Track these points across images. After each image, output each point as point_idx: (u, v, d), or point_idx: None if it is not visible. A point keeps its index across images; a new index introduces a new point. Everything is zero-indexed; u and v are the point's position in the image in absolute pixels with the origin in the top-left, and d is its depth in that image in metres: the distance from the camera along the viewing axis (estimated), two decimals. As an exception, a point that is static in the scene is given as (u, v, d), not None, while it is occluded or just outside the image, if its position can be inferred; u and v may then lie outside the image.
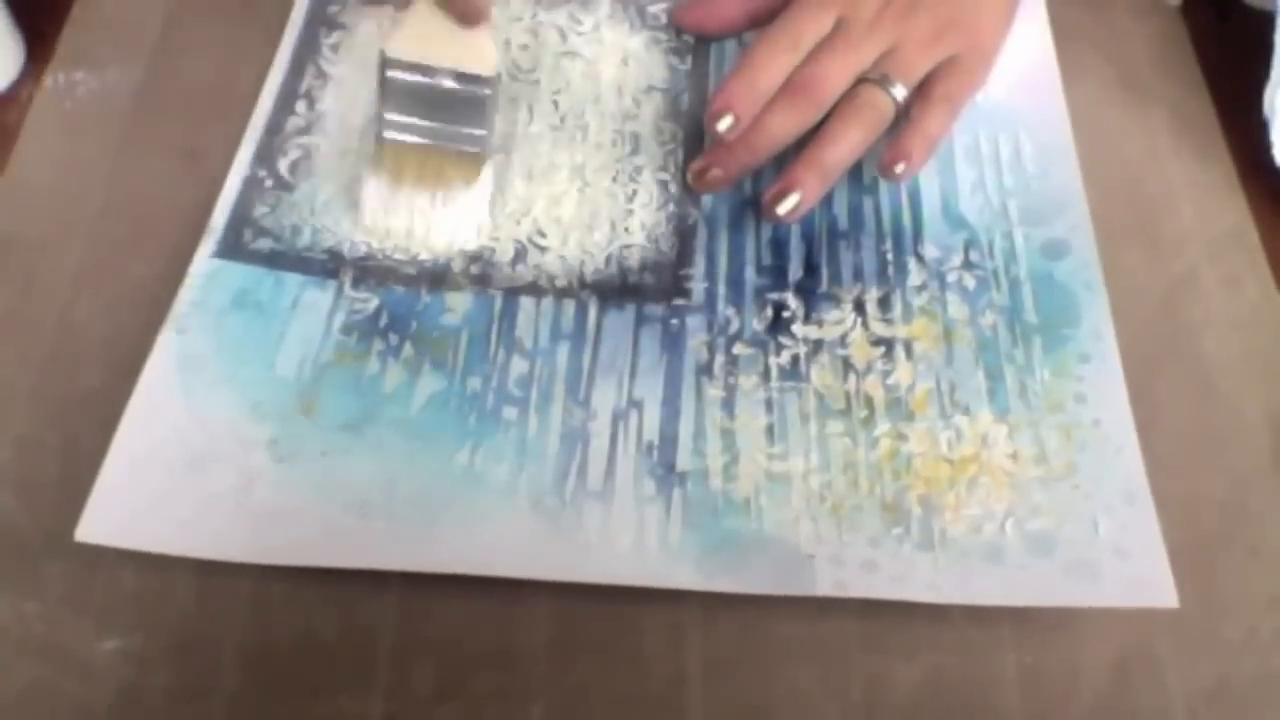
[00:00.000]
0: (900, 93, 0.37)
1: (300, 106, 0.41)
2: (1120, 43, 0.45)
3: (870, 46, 0.38)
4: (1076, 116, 0.42)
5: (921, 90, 0.38)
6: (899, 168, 0.37)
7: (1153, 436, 0.35)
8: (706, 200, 0.40)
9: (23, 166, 0.40)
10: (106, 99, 0.42)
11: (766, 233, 0.39)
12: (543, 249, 0.38)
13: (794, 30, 0.38)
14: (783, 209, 0.37)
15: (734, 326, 0.37)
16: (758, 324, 0.37)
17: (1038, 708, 0.31)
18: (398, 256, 0.37)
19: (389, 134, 0.36)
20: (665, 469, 0.34)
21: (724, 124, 0.37)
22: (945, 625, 0.32)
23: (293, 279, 0.37)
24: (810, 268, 0.38)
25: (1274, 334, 0.38)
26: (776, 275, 0.38)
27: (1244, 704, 0.32)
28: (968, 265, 0.38)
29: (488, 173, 0.38)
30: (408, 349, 0.35)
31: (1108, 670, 0.32)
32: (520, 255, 0.38)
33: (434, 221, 0.37)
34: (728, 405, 0.35)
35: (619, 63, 0.43)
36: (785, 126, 0.37)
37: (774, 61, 0.37)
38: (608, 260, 0.38)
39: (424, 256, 0.37)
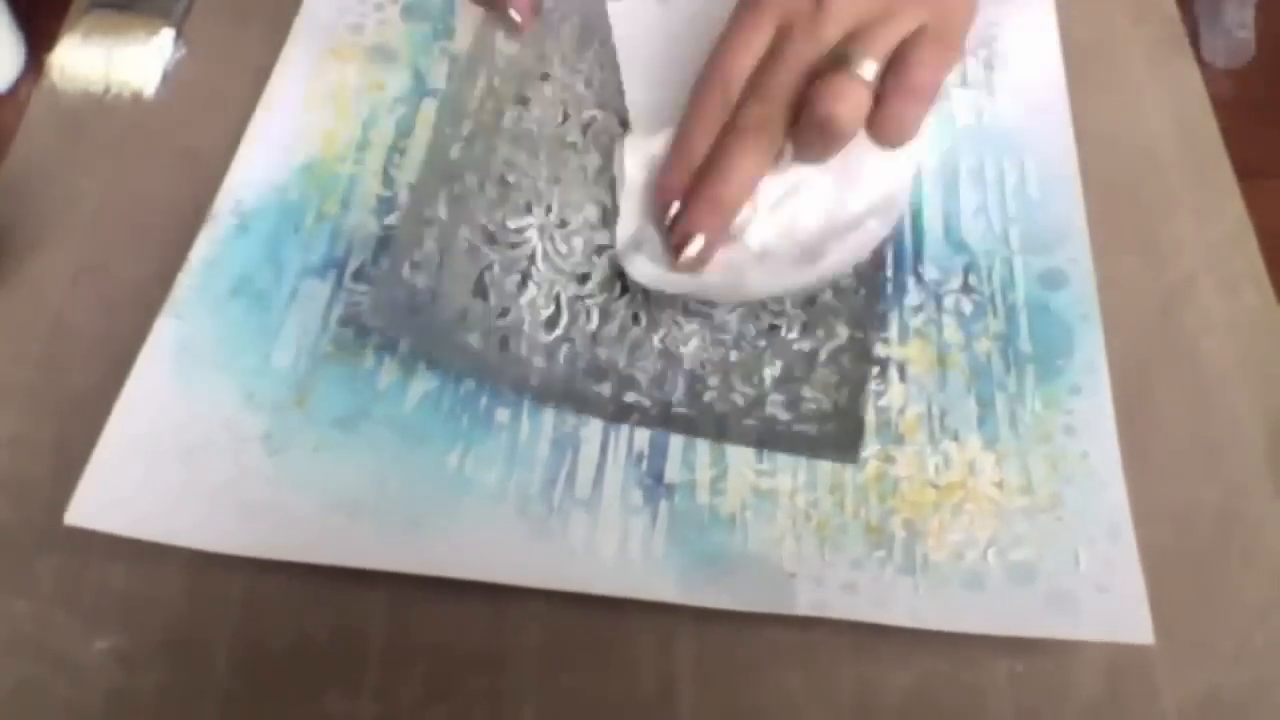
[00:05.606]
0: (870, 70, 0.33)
1: None
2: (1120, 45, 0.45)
3: (815, 45, 0.33)
4: (1076, 118, 0.42)
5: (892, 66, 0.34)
6: (891, 139, 0.34)
7: (1149, 442, 0.35)
8: None
9: (21, 165, 0.40)
10: (106, 98, 0.42)
11: None
12: None
13: (723, 77, 0.34)
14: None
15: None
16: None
17: (1029, 716, 0.31)
18: None
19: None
20: (654, 480, 0.34)
21: (671, 208, 0.35)
22: (936, 633, 0.32)
23: (293, 267, 0.37)
24: None
25: (1271, 340, 0.38)
26: None
27: (1236, 713, 0.31)
28: (966, 289, 0.38)
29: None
30: (403, 345, 0.35)
31: (1100, 678, 0.32)
32: None
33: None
34: None
35: None
36: (752, 168, 0.34)
37: (705, 128, 0.34)
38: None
39: None
